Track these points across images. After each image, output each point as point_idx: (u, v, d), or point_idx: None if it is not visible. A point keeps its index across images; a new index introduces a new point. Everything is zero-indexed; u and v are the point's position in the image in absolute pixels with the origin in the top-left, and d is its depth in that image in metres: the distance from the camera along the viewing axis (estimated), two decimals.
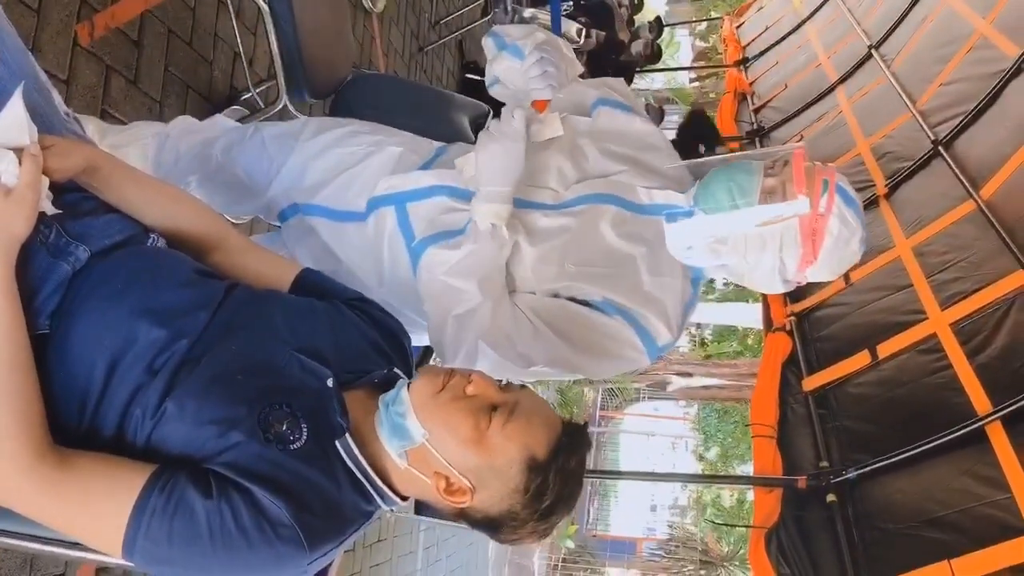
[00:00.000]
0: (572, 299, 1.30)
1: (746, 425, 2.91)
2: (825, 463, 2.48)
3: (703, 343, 15.98)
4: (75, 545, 1.02)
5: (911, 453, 2.22)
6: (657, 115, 5.22)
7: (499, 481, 0.90)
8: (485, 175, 1.25)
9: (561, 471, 0.90)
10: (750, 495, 2.80)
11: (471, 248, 1.25)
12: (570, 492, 0.93)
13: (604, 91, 1.46)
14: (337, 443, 0.91)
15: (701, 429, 16.64)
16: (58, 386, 0.87)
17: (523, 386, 0.96)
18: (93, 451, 0.85)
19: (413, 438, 0.91)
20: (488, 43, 1.50)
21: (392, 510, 1.01)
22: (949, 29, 3.72)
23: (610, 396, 15.21)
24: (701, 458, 16.83)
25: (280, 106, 1.99)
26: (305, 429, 0.88)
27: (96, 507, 0.81)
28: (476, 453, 0.89)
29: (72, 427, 0.87)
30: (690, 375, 13.15)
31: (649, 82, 14.79)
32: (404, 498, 0.97)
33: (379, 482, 0.92)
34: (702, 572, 13.02)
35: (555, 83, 1.41)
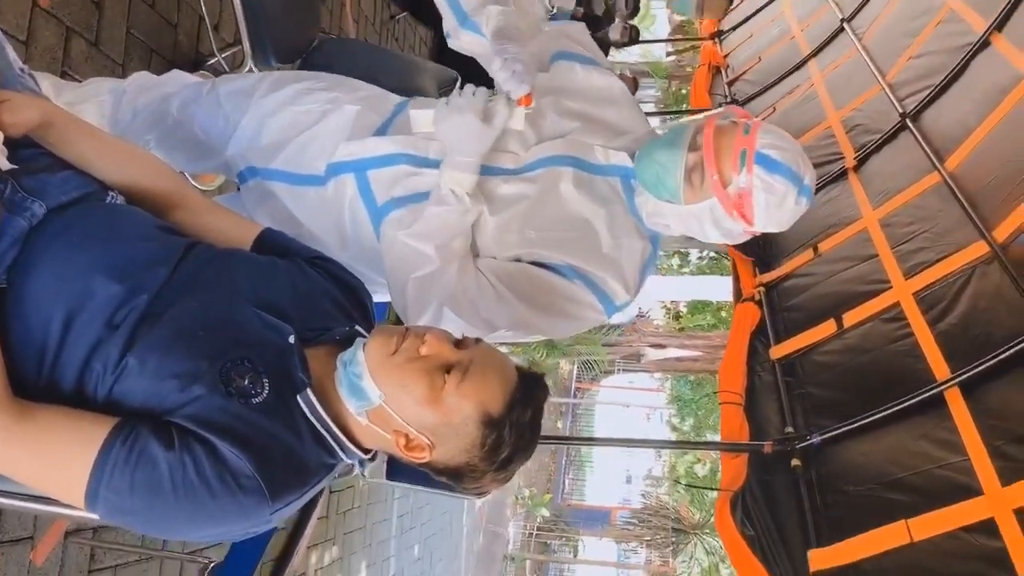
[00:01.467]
0: (533, 263, 1.31)
1: (717, 400, 2.95)
2: (791, 429, 2.53)
3: (677, 316, 16.13)
4: (40, 499, 1.02)
5: (873, 418, 2.27)
6: (631, 86, 5.21)
7: (456, 437, 0.92)
8: (450, 143, 1.25)
9: (516, 424, 0.93)
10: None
11: (434, 211, 1.25)
12: (526, 443, 0.95)
13: (564, 42, 1.46)
14: (299, 398, 0.92)
15: (675, 400, 16.86)
16: (16, 340, 0.87)
17: (479, 340, 0.97)
18: (54, 404, 0.85)
19: (370, 399, 0.92)
20: (443, 5, 1.47)
21: (363, 474, 1.02)
22: (919, 2, 3.75)
23: (586, 369, 15.32)
24: (675, 428, 17.07)
25: (245, 71, 1.96)
26: (267, 383, 0.90)
27: (58, 459, 0.82)
28: (432, 412, 0.91)
29: (31, 381, 0.87)
30: (663, 347, 13.29)
31: (625, 55, 14.73)
32: (367, 451, 0.98)
33: (341, 436, 0.94)
34: (674, 539, 13.26)
35: (527, 77, 1.39)
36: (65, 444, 0.82)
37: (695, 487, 12.64)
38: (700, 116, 1.32)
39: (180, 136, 1.56)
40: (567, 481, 17.92)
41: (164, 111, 1.57)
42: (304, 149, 1.41)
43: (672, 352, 13.42)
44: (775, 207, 1.24)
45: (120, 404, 0.86)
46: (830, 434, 2.38)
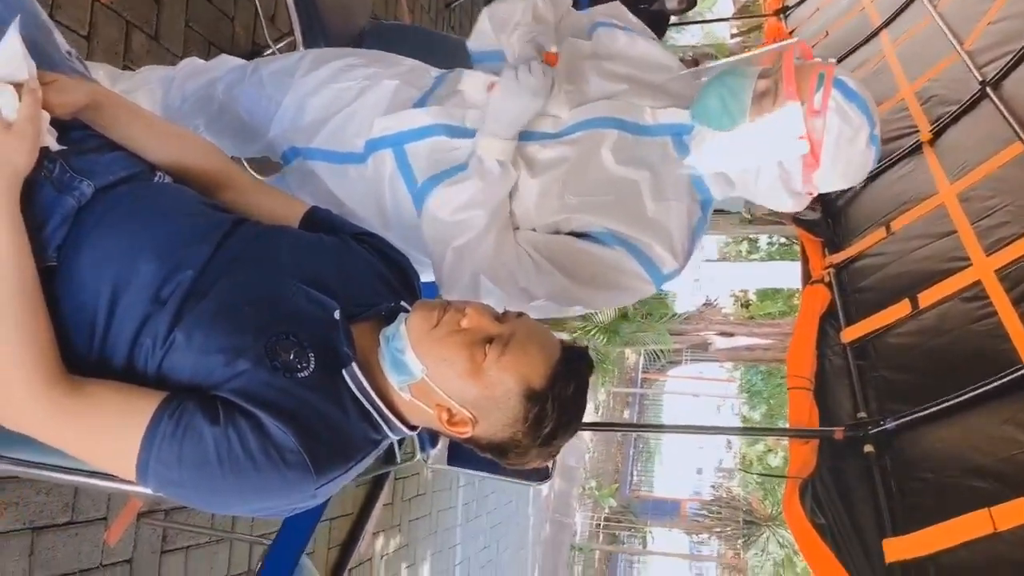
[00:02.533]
0: (572, 233, 1.28)
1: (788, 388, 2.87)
2: (863, 414, 2.43)
3: (746, 304, 15.79)
4: (100, 475, 1.06)
5: (953, 402, 2.16)
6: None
7: (499, 411, 0.91)
8: (495, 117, 1.23)
9: (560, 398, 0.91)
10: None
11: (478, 184, 1.23)
12: (570, 418, 0.94)
13: (601, 18, 1.43)
14: (344, 372, 0.92)
15: (746, 390, 16.51)
16: (67, 317, 0.90)
17: (521, 313, 0.96)
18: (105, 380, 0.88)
19: (413, 373, 0.92)
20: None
21: (424, 459, 1.03)
22: None
23: (652, 359, 15.17)
24: (745, 419, 16.74)
25: None
26: (312, 358, 0.90)
27: (109, 432, 0.84)
28: (474, 386, 0.91)
29: (83, 356, 0.90)
30: (732, 335, 13.00)
31: (687, 37, 14.45)
32: (412, 427, 0.98)
33: (386, 411, 0.94)
34: (746, 531, 13.01)
35: (548, 38, 1.35)
36: (116, 418, 0.84)
37: (763, 475, 12.36)
38: (768, 48, 1.26)
39: (226, 120, 1.59)
40: (635, 472, 17.77)
41: (210, 95, 1.60)
42: (343, 127, 1.41)
43: (741, 340, 13.11)
44: (846, 141, 1.16)
45: (169, 379, 0.88)
46: (906, 419, 2.27)
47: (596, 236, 1.26)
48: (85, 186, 0.95)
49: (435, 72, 1.48)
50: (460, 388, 0.91)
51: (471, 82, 1.29)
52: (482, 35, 1.43)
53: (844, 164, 1.20)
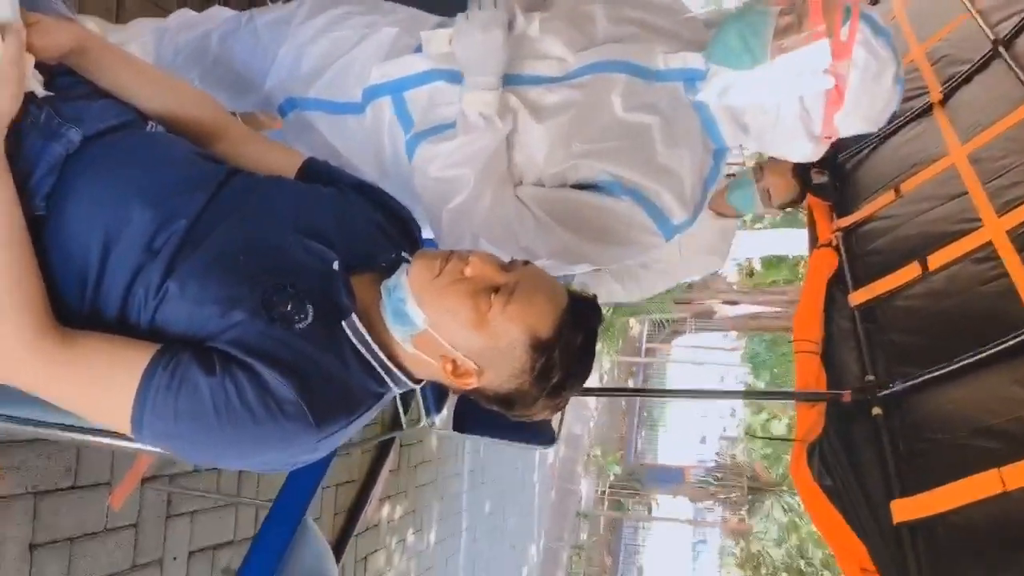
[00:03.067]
0: (578, 184, 1.25)
1: (791, 343, 2.86)
2: (871, 377, 2.42)
3: (751, 272, 15.74)
4: (107, 434, 1.05)
5: (962, 363, 2.15)
6: None
7: (505, 362, 0.90)
8: (468, 64, 1.19)
9: (567, 348, 0.90)
10: None
11: (462, 140, 1.20)
12: (579, 368, 0.92)
13: None
14: (344, 324, 0.91)
15: (750, 358, 16.53)
16: (57, 268, 0.88)
17: (527, 263, 0.94)
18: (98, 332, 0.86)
19: (415, 324, 0.90)
20: None
21: (430, 424, 1.01)
22: None
23: (657, 329, 15.18)
24: (750, 387, 16.78)
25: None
26: (310, 309, 0.89)
27: (102, 384, 0.83)
28: (479, 336, 0.89)
29: (75, 309, 0.88)
30: (737, 304, 12.99)
31: None
32: (417, 380, 0.97)
33: (388, 362, 0.93)
34: (750, 497, 13.12)
35: None
36: (108, 370, 0.82)
37: (768, 438, 12.42)
38: None
39: (221, 72, 1.56)
40: (639, 440, 17.89)
41: (204, 47, 1.56)
42: (341, 75, 1.38)
43: (746, 308, 13.09)
44: (872, 78, 1.12)
45: (163, 331, 0.86)
46: (914, 381, 2.26)
47: (603, 186, 1.23)
48: (73, 133, 0.92)
49: (435, 19, 1.45)
50: (464, 338, 0.89)
51: (434, 40, 1.25)
52: None
53: (868, 103, 1.16)
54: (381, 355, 0.92)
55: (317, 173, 1.10)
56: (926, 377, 2.24)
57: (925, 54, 3.54)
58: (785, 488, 12.14)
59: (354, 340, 0.91)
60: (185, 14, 1.68)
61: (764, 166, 2.64)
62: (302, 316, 0.87)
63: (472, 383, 0.92)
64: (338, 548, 3.45)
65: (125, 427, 0.83)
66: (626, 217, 1.22)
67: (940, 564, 1.86)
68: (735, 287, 14.49)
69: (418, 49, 1.34)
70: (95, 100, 0.98)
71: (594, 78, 1.24)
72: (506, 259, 0.94)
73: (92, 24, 1.63)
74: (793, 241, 13.60)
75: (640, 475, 15.99)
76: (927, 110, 3.21)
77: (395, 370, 0.94)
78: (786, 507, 11.98)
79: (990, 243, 2.40)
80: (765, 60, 1.13)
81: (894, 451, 2.13)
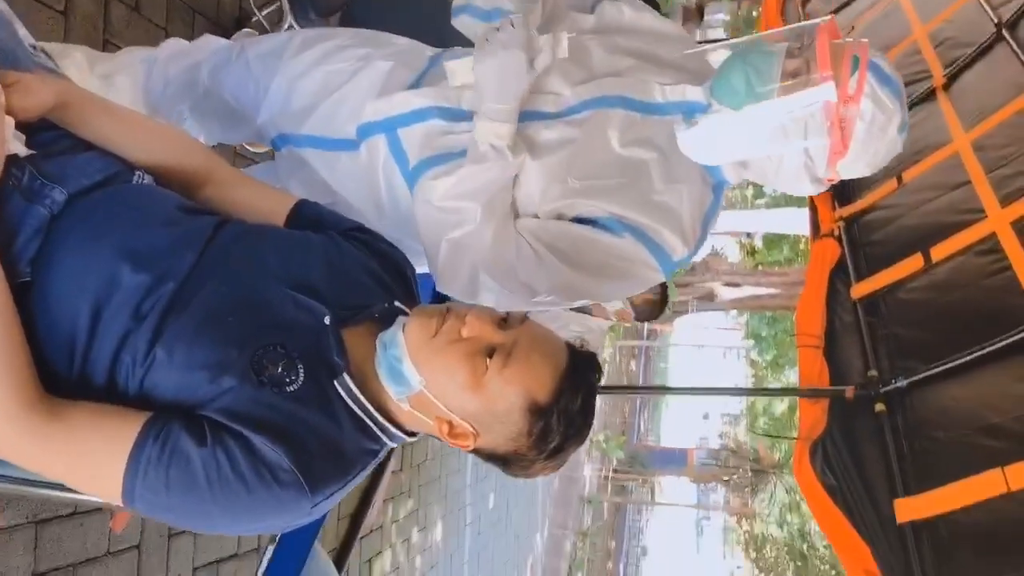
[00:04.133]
0: (577, 219, 1.22)
1: (795, 335, 2.84)
2: (874, 372, 2.40)
3: (753, 251, 15.69)
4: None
5: (966, 359, 2.12)
6: (696, 15, 4.92)
7: (501, 426, 0.87)
8: (485, 91, 1.15)
9: (565, 412, 0.86)
10: None
11: (469, 170, 1.16)
12: (577, 431, 0.89)
13: None
14: (335, 383, 0.88)
15: (751, 335, 16.54)
16: (44, 335, 0.84)
17: (525, 318, 0.91)
18: (87, 400, 0.83)
19: (411, 385, 0.87)
20: (465, 21, 1.36)
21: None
22: None
23: None
24: (753, 362, 16.80)
25: (285, 27, 1.89)
26: (301, 370, 0.85)
27: (92, 458, 0.80)
28: (475, 399, 0.86)
29: (63, 376, 0.85)
30: (739, 285, 12.95)
31: None
32: (411, 434, 0.94)
33: (382, 420, 0.90)
34: (753, 479, 13.17)
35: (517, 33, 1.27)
36: (98, 443, 0.80)
37: (772, 436, 12.45)
38: (797, 25, 1.17)
39: (212, 104, 1.52)
40: (642, 422, 17.95)
41: (195, 79, 1.52)
42: (335, 112, 1.34)
43: (748, 291, 13.05)
44: (878, 130, 1.10)
45: (152, 397, 0.84)
46: (918, 377, 2.24)
47: (602, 223, 1.20)
48: (57, 193, 0.88)
49: (430, 52, 1.40)
50: (461, 401, 0.87)
51: (458, 71, 1.21)
52: None
53: (873, 152, 1.13)
54: (375, 413, 0.89)
55: (308, 217, 1.07)
56: (929, 373, 2.22)
57: (928, 35, 3.49)
58: (788, 470, 12.19)
59: (347, 399, 0.88)
60: (174, 43, 1.63)
61: None
62: (293, 377, 0.84)
63: (469, 445, 0.90)
64: (342, 554, 3.43)
65: (116, 499, 0.81)
66: (627, 253, 1.19)
67: (944, 565, 1.85)
68: (736, 268, 14.46)
69: (413, 84, 1.31)
70: (78, 153, 0.95)
71: (592, 114, 1.20)
72: (502, 303, 0.91)
73: (79, 55, 1.58)
74: (794, 219, 13.55)
75: (643, 458, 16.04)
76: (930, 94, 3.16)
77: (389, 427, 0.91)
78: (788, 488, 12.04)
79: (994, 235, 2.36)
80: (771, 102, 1.10)
81: (897, 449, 2.12)
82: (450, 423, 0.89)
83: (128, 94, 1.60)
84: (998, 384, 2.05)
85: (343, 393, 0.88)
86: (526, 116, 1.21)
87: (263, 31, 2.14)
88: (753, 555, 14.33)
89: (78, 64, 1.59)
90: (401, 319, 0.92)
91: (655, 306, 2.54)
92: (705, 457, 15.93)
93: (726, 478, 14.14)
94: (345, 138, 1.33)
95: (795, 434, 2.43)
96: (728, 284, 13.21)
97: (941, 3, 3.55)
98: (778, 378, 15.65)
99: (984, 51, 3.01)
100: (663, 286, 2.59)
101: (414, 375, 0.87)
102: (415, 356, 0.87)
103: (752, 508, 13.73)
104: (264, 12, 2.03)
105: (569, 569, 13.12)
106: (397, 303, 0.98)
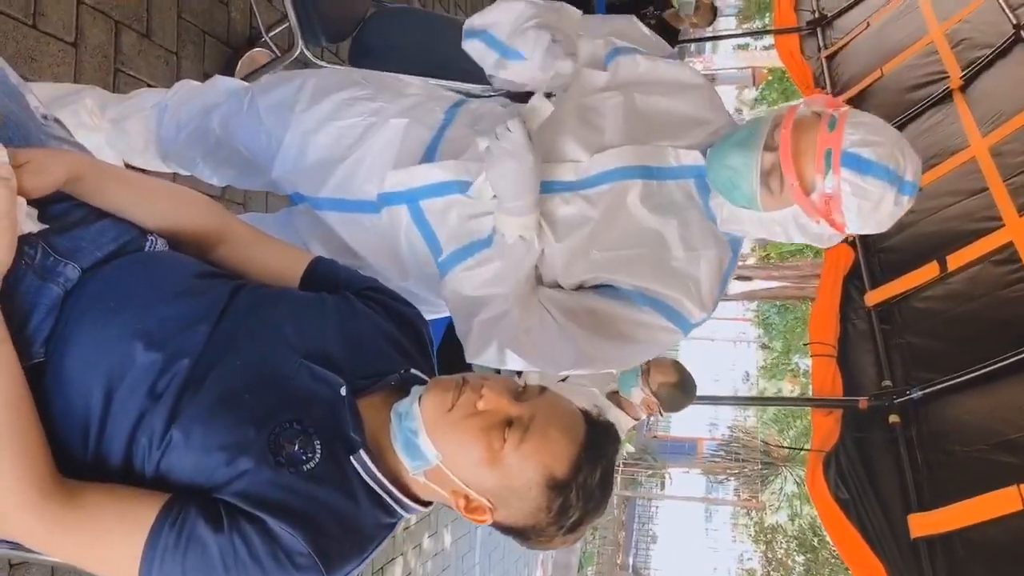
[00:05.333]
0: (599, 286, 1.22)
1: (806, 323, 2.82)
2: (888, 382, 2.38)
3: (767, 254, 15.59)
4: None
5: (982, 371, 2.11)
6: (710, 11, 4.85)
7: (519, 501, 0.86)
8: (503, 194, 1.16)
9: (584, 487, 0.85)
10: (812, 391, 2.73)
11: (499, 265, 1.18)
12: (596, 505, 0.88)
13: (615, 41, 1.34)
14: (353, 459, 0.87)
15: (762, 323, 16.47)
16: (59, 416, 0.83)
17: (543, 390, 0.90)
18: (103, 482, 0.83)
19: (427, 459, 0.86)
20: (478, 46, 1.35)
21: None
22: None
23: None
24: (765, 347, 16.75)
25: (296, 53, 1.86)
26: (318, 446, 0.85)
27: (107, 544, 0.80)
28: (492, 475, 0.85)
29: (79, 458, 0.84)
30: (749, 279, 12.88)
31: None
32: (426, 504, 0.94)
33: (398, 494, 0.89)
34: (763, 471, 13.15)
35: (569, 52, 1.27)
36: (113, 530, 0.80)
37: (785, 447, 12.41)
38: (779, 107, 1.18)
39: (225, 154, 1.50)
40: None
41: (206, 128, 1.50)
42: (352, 174, 1.32)
43: (759, 284, 12.96)
44: (870, 211, 1.09)
45: (169, 479, 0.83)
46: (933, 389, 2.22)
47: (623, 292, 1.21)
48: (70, 270, 0.88)
49: (446, 103, 1.39)
50: (477, 476, 0.86)
51: (486, 193, 1.21)
52: (496, 24, 1.33)
53: (874, 224, 1.13)
54: (392, 489, 0.89)
55: (323, 275, 1.06)
56: (944, 384, 2.20)
57: (945, 35, 3.44)
58: (799, 462, 12.16)
59: (364, 475, 0.87)
60: (185, 86, 1.62)
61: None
62: (310, 455, 0.84)
63: (486, 519, 0.88)
64: None
65: None
66: (646, 322, 1.20)
67: None
68: (745, 262, 14.36)
69: (430, 147, 1.30)
70: (91, 224, 0.94)
71: (610, 187, 1.20)
72: (523, 376, 0.90)
73: (89, 101, 1.59)
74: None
75: (653, 449, 16.05)
76: (947, 96, 3.12)
77: (405, 500, 0.90)
78: (798, 480, 12.02)
79: (1011, 244, 2.34)
80: (756, 206, 1.12)
81: (912, 462, 2.11)
82: (466, 497, 0.88)
83: (140, 139, 1.60)
84: (1014, 398, 2.03)
85: (360, 470, 0.87)
86: (544, 188, 1.20)
87: (277, 51, 2.12)
88: (763, 547, 14.34)
89: (89, 110, 1.59)
90: (416, 389, 0.91)
91: (674, 388, 2.55)
92: (715, 448, 15.91)
93: (735, 471, 14.11)
94: (365, 199, 1.32)
95: (801, 448, 2.42)
96: (739, 277, 13.14)
97: (958, 2, 3.50)
98: (788, 365, 15.61)
99: (1002, 53, 2.96)
100: (680, 371, 2.60)
101: (430, 450, 0.86)
102: (432, 431, 0.86)
103: (762, 501, 13.73)
104: (272, 33, 1.99)
105: (580, 563, 13.15)
106: (413, 370, 0.97)
